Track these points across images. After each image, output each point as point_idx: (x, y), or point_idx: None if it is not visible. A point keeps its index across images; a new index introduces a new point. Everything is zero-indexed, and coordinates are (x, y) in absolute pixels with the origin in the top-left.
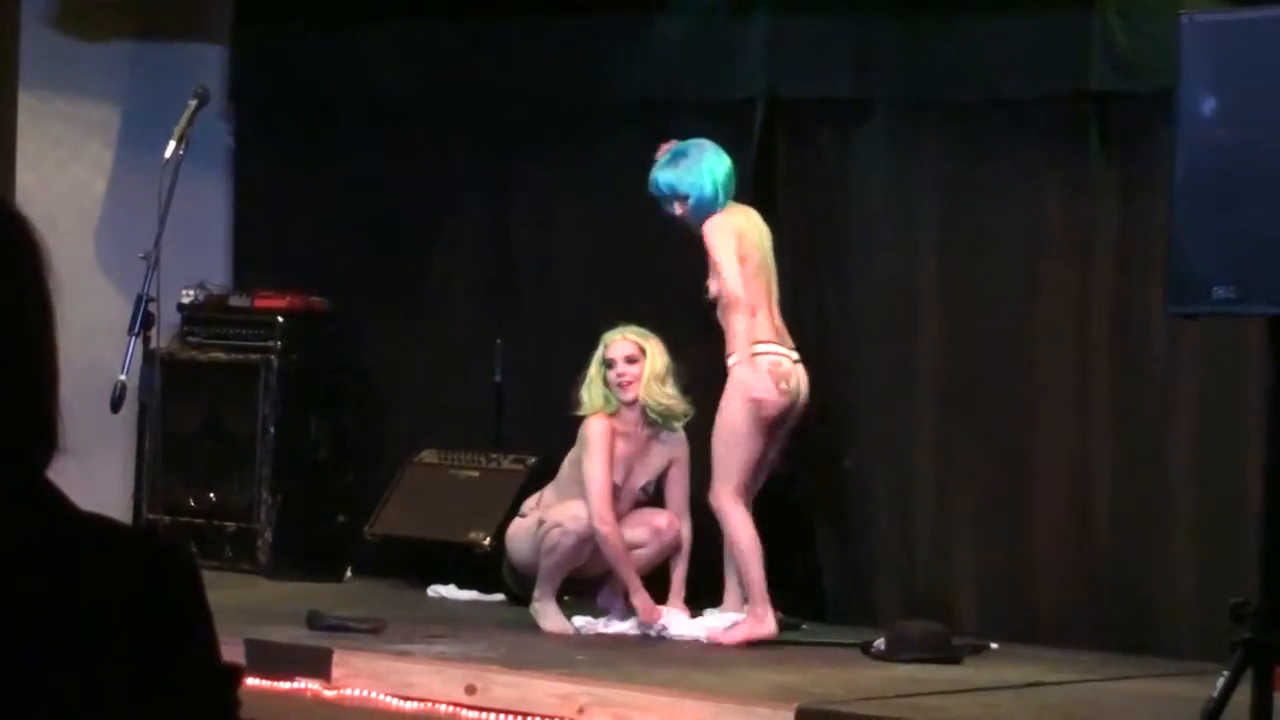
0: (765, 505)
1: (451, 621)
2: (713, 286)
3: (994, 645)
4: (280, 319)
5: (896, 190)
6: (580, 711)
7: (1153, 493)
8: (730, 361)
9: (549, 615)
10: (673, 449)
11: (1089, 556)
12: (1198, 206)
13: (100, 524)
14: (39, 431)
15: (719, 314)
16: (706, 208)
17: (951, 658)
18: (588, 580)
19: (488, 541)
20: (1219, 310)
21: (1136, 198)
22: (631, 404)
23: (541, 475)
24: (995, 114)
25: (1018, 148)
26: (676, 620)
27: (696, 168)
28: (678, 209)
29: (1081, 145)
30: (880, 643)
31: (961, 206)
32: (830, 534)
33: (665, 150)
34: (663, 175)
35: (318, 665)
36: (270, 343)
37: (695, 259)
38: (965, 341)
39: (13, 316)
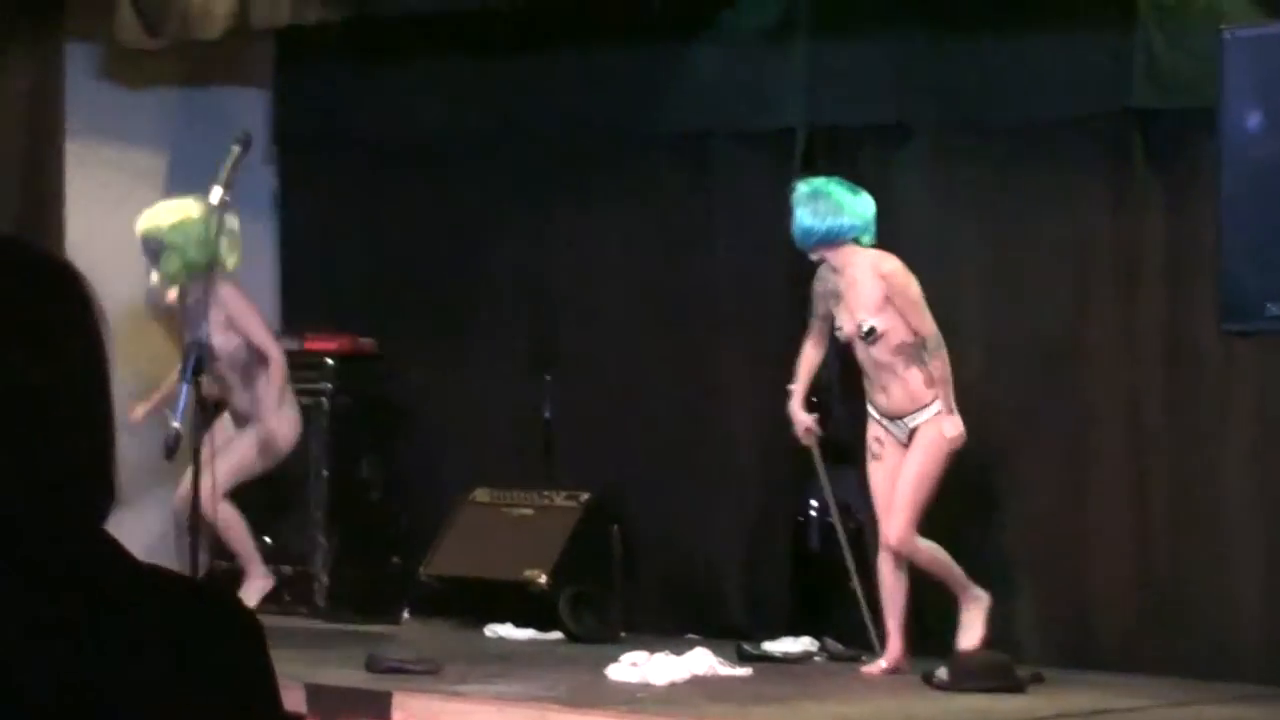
0: (825, 536)
1: (509, 660)
2: (879, 323)
3: (1047, 673)
4: (330, 361)
5: (939, 214)
6: None
7: (1213, 512)
8: (933, 405)
9: None
10: None
11: (1150, 579)
12: (1246, 222)
13: (159, 576)
14: (97, 485)
15: (882, 351)
16: (809, 235)
17: (1014, 687)
18: None
19: (544, 579)
20: (1274, 327)
21: (1183, 214)
22: None
23: (595, 511)
24: (1036, 134)
25: (1061, 168)
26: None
27: (841, 205)
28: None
29: (1125, 163)
30: (942, 672)
31: (1005, 229)
32: None
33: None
34: (815, 221)
35: (378, 708)
36: (320, 385)
37: (741, 290)
38: (1012, 365)
39: (68, 371)
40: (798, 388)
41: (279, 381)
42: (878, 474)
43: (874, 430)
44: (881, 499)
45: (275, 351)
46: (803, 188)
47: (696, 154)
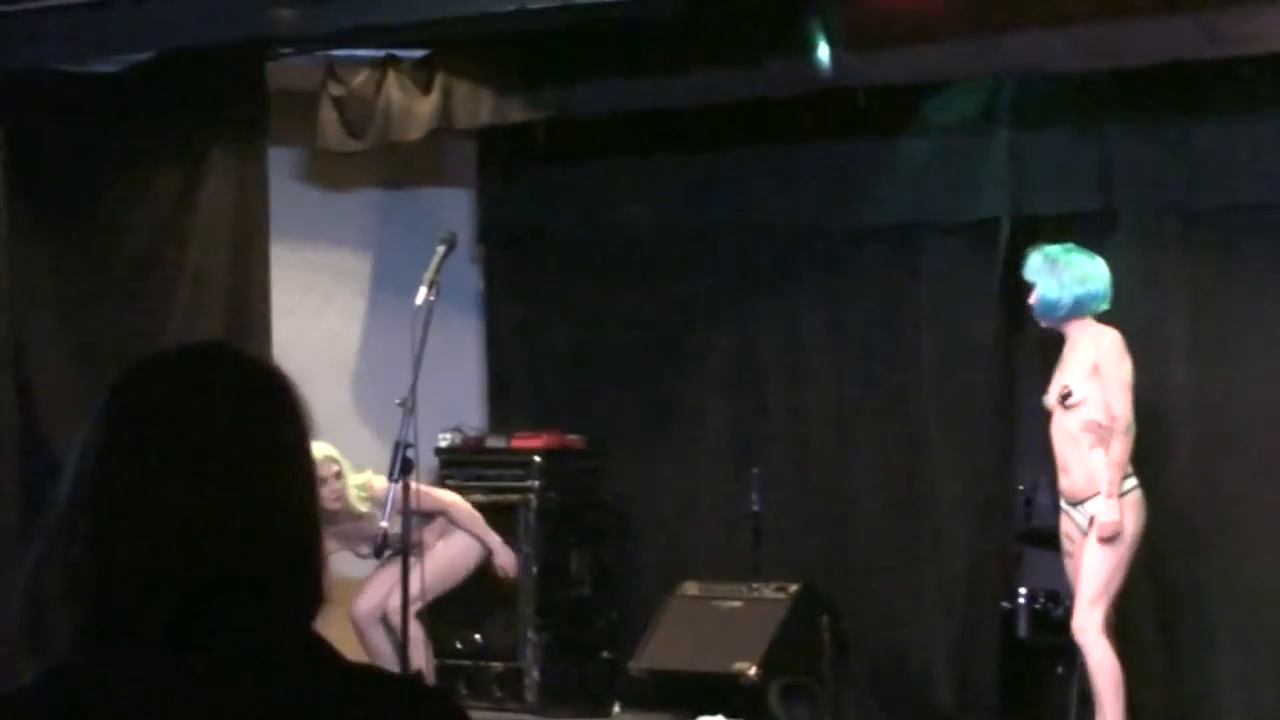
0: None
1: None
2: (1078, 391)
3: None
4: (537, 458)
5: (1144, 300)
6: None
7: None
8: (1125, 486)
9: None
10: None
11: None
12: None
13: (369, 674)
14: (308, 584)
15: (1073, 423)
16: (1052, 308)
17: None
18: None
19: (754, 671)
20: None
21: None
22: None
23: (804, 602)
24: (1240, 219)
25: (1265, 253)
26: None
27: (1051, 265)
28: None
29: None
30: None
31: (1211, 315)
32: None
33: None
34: (1060, 293)
35: None
36: (528, 482)
37: (948, 379)
38: (1222, 448)
39: (280, 474)
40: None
41: (474, 527)
42: (1071, 569)
43: (1064, 525)
44: (1076, 589)
45: (451, 501)
46: (1039, 259)
47: (902, 246)
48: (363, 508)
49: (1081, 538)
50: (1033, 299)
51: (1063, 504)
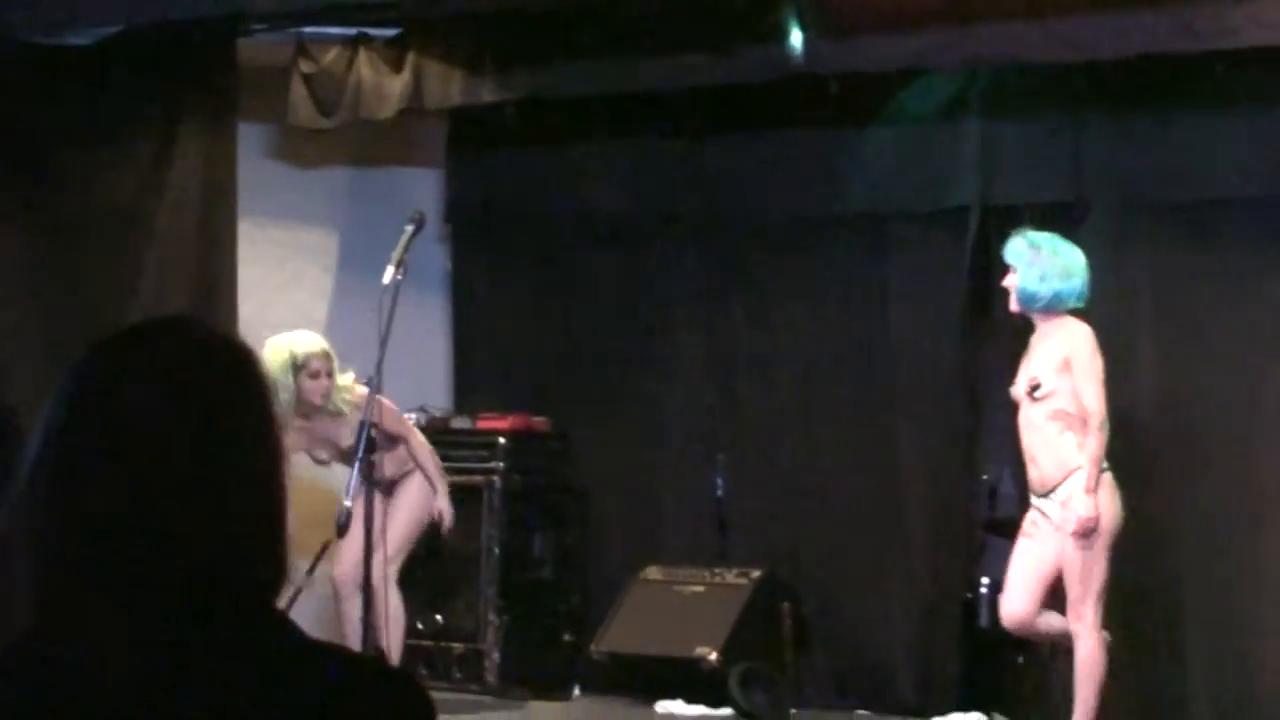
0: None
1: None
2: (1046, 383)
3: None
4: (502, 440)
5: (1113, 292)
6: None
7: None
8: (1077, 477)
9: None
10: None
11: None
12: None
13: (331, 653)
14: (271, 562)
15: (1039, 414)
16: (1032, 300)
17: None
18: None
19: (714, 656)
20: None
21: None
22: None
23: (766, 588)
24: (1211, 213)
25: (1235, 247)
26: None
27: (1034, 254)
28: (1009, 279)
29: None
30: None
31: (1179, 307)
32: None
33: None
34: (1005, 248)
35: None
36: (493, 464)
37: (916, 369)
38: (1188, 441)
39: (244, 450)
40: None
41: (427, 462)
42: (1023, 551)
43: (1031, 514)
44: (1014, 575)
45: (412, 429)
46: (1023, 244)
47: (872, 234)
48: (344, 409)
49: (1050, 526)
50: (1010, 282)
51: (1033, 498)
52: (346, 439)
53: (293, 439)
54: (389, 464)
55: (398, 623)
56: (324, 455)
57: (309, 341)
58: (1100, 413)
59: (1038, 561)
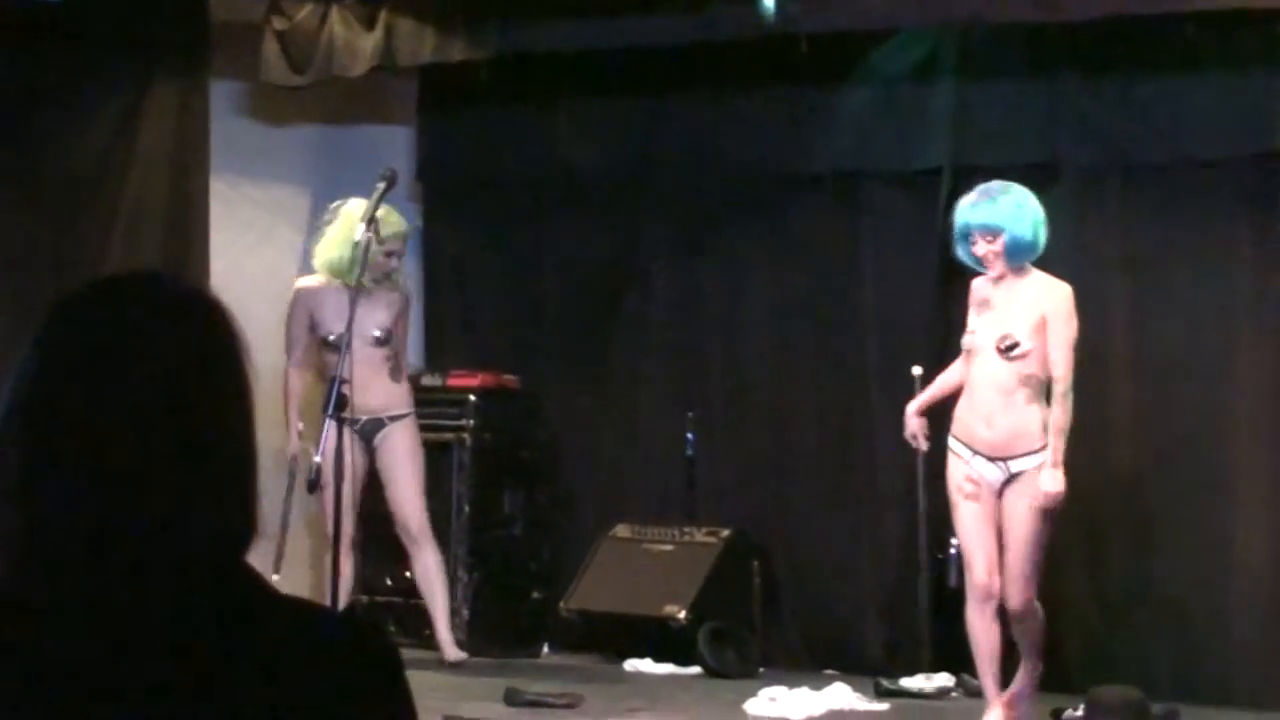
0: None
1: (649, 696)
2: (1024, 342)
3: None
4: (473, 397)
5: (1083, 254)
6: None
7: None
8: (1040, 453)
9: None
10: None
11: None
12: None
13: (300, 607)
14: (240, 517)
15: (1009, 376)
16: (1025, 251)
17: None
18: None
19: (683, 615)
20: None
21: None
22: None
23: (735, 547)
24: (1182, 176)
25: (1206, 210)
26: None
27: (1019, 207)
28: (983, 247)
29: (1271, 206)
30: (1077, 711)
31: (1151, 269)
32: None
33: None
34: (978, 215)
35: None
36: (463, 421)
37: (885, 329)
38: (1158, 404)
39: (215, 404)
40: (925, 397)
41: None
42: (976, 517)
43: (963, 470)
44: (980, 541)
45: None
46: (1009, 201)
47: (843, 194)
48: (398, 289)
49: (993, 495)
50: (997, 245)
51: (965, 452)
52: (376, 324)
53: (319, 300)
54: (378, 392)
55: (347, 583)
56: (338, 330)
57: (397, 222)
58: (1069, 379)
59: (993, 530)
